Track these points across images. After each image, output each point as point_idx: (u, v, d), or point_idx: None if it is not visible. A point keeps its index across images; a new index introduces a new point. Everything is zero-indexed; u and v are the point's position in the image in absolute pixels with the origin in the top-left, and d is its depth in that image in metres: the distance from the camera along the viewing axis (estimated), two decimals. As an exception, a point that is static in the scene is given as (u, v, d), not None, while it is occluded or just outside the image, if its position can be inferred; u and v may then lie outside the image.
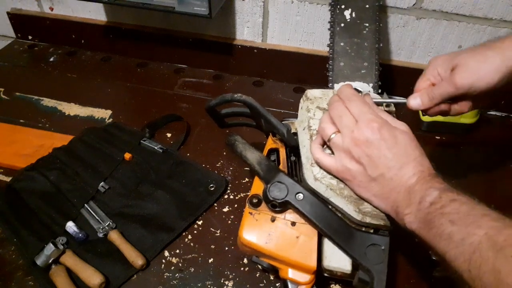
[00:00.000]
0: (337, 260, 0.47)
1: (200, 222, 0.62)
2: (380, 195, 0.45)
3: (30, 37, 1.02)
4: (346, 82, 0.60)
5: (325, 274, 0.50)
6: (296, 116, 0.58)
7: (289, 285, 0.49)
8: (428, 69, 0.53)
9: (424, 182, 0.42)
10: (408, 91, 0.85)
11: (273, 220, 0.50)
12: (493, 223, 0.35)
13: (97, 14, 0.95)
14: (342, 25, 0.69)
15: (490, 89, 0.47)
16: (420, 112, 0.80)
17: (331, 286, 0.55)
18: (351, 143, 0.45)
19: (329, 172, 0.49)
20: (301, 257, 0.48)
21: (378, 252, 0.45)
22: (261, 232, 0.49)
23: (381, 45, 0.67)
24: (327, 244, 0.48)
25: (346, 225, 0.47)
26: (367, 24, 0.68)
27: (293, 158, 0.55)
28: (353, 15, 0.69)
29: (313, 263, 0.47)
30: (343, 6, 0.70)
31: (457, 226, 0.36)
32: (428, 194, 0.40)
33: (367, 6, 0.70)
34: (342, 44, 0.67)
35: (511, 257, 0.32)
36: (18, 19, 1.00)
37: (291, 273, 0.49)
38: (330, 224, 0.47)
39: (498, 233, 0.34)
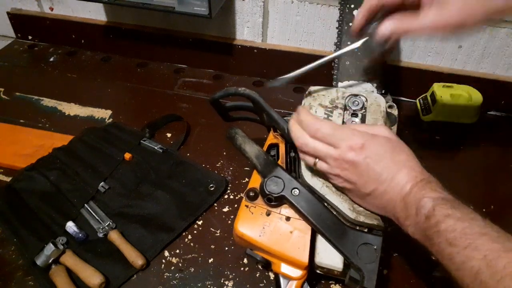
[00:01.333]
0: (329, 257, 0.47)
1: (200, 222, 0.62)
2: (378, 206, 0.45)
3: (30, 37, 1.02)
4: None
5: (317, 271, 0.50)
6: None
7: (281, 279, 0.49)
8: None
9: (418, 190, 0.41)
10: (408, 91, 0.85)
11: (268, 214, 0.50)
12: (491, 244, 0.34)
13: (97, 14, 0.95)
14: (351, 24, 0.69)
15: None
16: (420, 112, 0.80)
17: (331, 286, 0.55)
18: (337, 169, 0.45)
19: None
20: (293, 252, 0.48)
21: (370, 252, 0.45)
22: (255, 225, 0.50)
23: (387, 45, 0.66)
24: (321, 241, 0.48)
25: (339, 223, 0.47)
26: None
27: (292, 154, 0.55)
28: None
29: (305, 258, 0.48)
30: (352, 6, 0.70)
31: (455, 248, 0.36)
32: (422, 206, 0.40)
33: None
34: (349, 43, 0.67)
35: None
36: (18, 19, 1.00)
37: (284, 268, 0.49)
38: (324, 221, 0.47)
39: (498, 257, 0.33)
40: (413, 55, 0.83)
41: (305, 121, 0.47)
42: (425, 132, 0.78)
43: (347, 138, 0.45)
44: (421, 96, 0.82)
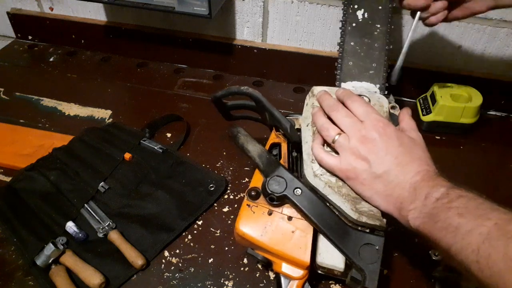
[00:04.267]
0: (331, 257, 0.47)
1: (200, 222, 0.62)
2: (383, 192, 0.45)
3: (30, 37, 1.02)
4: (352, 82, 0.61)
5: (318, 271, 0.50)
6: (298, 115, 0.59)
7: (282, 279, 0.49)
8: None
9: (430, 179, 0.42)
10: (408, 91, 0.85)
11: (270, 213, 0.50)
12: (503, 215, 0.35)
13: (97, 14, 0.95)
14: (354, 24, 0.69)
15: None
16: (420, 112, 0.80)
17: (331, 286, 0.55)
18: (357, 142, 0.46)
19: (331, 172, 0.49)
20: (295, 252, 0.48)
21: (372, 252, 0.45)
22: (257, 224, 0.50)
23: (391, 47, 0.67)
24: (322, 241, 0.48)
25: (342, 223, 0.47)
26: (378, 25, 0.68)
27: (294, 154, 0.55)
28: (366, 15, 0.69)
29: (306, 258, 0.48)
30: (356, 6, 0.70)
31: (465, 219, 0.36)
32: (435, 191, 0.40)
33: (380, 7, 0.69)
34: (352, 43, 0.67)
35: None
36: (18, 19, 1.00)
37: (285, 268, 0.49)
38: (326, 221, 0.47)
39: (508, 223, 0.34)
40: (413, 55, 0.83)
41: (346, 92, 0.52)
42: (425, 132, 0.78)
43: (375, 116, 0.47)
44: (421, 96, 0.82)
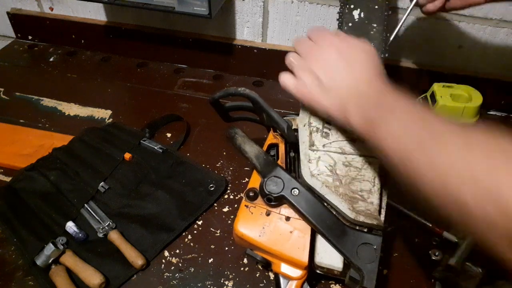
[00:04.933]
0: (329, 257, 0.47)
1: (200, 222, 0.62)
2: (334, 105, 0.46)
3: (30, 37, 1.02)
4: None
5: (317, 271, 0.50)
6: (296, 115, 0.59)
7: (281, 279, 0.49)
8: None
9: (376, 87, 0.43)
10: (408, 91, 0.85)
11: (268, 214, 0.50)
12: (436, 117, 0.37)
13: (97, 14, 0.95)
14: (350, 24, 0.69)
15: None
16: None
17: (331, 286, 0.55)
18: (309, 59, 0.49)
19: (328, 172, 0.49)
20: (293, 252, 0.48)
21: (370, 251, 0.45)
22: (255, 225, 0.50)
23: (387, 46, 0.67)
24: (320, 240, 0.48)
25: (339, 223, 0.47)
26: (375, 25, 0.68)
27: (292, 154, 0.55)
28: (362, 15, 0.69)
29: (304, 258, 0.48)
30: (352, 6, 0.70)
31: (400, 122, 0.38)
32: (377, 96, 0.42)
33: (376, 7, 0.70)
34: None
35: (443, 143, 0.33)
36: (18, 19, 1.00)
37: (284, 268, 0.49)
38: (324, 220, 0.47)
39: (441, 124, 0.35)
40: (413, 55, 0.83)
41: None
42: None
43: (328, 35, 0.50)
44: (421, 96, 0.82)
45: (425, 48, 0.81)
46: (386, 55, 0.66)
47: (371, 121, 0.41)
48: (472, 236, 0.31)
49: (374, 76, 0.45)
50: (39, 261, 0.54)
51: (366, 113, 0.42)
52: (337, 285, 0.55)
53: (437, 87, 0.77)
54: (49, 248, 0.54)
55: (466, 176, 0.30)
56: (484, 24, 0.76)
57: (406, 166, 0.36)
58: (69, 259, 0.54)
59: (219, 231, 0.61)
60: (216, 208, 0.64)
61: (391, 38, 0.66)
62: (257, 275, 0.55)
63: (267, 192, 0.49)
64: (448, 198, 0.32)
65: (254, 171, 0.54)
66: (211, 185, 0.65)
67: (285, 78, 0.51)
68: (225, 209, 0.64)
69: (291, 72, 0.51)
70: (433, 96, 0.77)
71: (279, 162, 0.54)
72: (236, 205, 0.64)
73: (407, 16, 0.63)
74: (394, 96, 0.42)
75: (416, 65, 0.83)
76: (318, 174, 0.50)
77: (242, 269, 0.56)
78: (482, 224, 0.29)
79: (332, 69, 0.46)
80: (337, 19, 0.71)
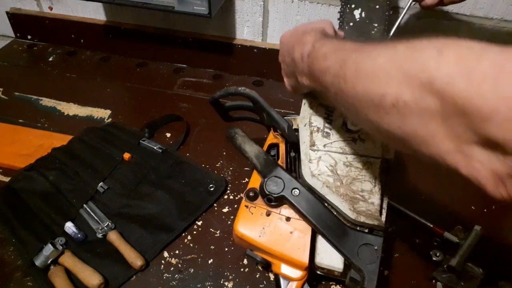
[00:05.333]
0: (330, 258, 0.47)
1: (199, 223, 0.62)
2: (291, 67, 0.50)
3: (29, 37, 1.02)
4: None
5: (318, 272, 0.50)
6: (296, 115, 0.59)
7: (281, 280, 0.49)
8: None
9: (313, 41, 0.45)
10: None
11: (268, 214, 0.50)
12: (353, 45, 0.38)
13: (96, 14, 0.95)
14: (351, 24, 0.68)
15: None
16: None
17: (332, 287, 0.54)
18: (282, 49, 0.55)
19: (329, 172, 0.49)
20: (293, 252, 0.48)
21: (370, 252, 0.45)
22: (255, 225, 0.50)
23: None
24: (321, 241, 0.48)
25: (340, 223, 0.47)
26: (376, 25, 0.68)
27: (292, 154, 0.55)
28: (363, 15, 0.69)
29: (305, 259, 0.48)
30: (353, 6, 0.70)
31: (332, 55, 0.40)
32: (307, 50, 0.45)
33: (377, 6, 0.69)
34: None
35: (368, 52, 0.34)
36: (17, 19, 1.00)
37: (284, 268, 0.49)
38: (324, 221, 0.47)
39: (363, 45, 0.36)
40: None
41: None
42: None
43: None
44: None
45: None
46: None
47: (308, 57, 0.44)
48: (405, 144, 0.31)
49: (316, 34, 0.47)
50: (38, 261, 0.53)
51: (306, 69, 0.45)
52: (338, 286, 0.54)
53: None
54: (48, 249, 0.54)
55: (397, 75, 0.30)
56: (485, 24, 0.75)
57: (336, 82, 0.37)
58: (68, 260, 0.54)
59: (219, 231, 0.60)
60: (216, 208, 0.64)
61: (390, 34, 0.66)
62: (257, 276, 0.55)
63: (267, 192, 0.49)
64: (382, 104, 0.31)
65: (254, 171, 0.53)
66: (211, 185, 0.65)
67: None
68: (225, 210, 0.63)
69: None
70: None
71: (279, 162, 0.53)
72: (236, 205, 0.64)
73: (406, 11, 0.63)
74: (315, 42, 0.45)
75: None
76: (318, 174, 0.50)
77: (242, 270, 0.56)
78: (421, 121, 0.28)
79: (289, 48, 0.51)
80: (338, 19, 0.71)
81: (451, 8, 0.74)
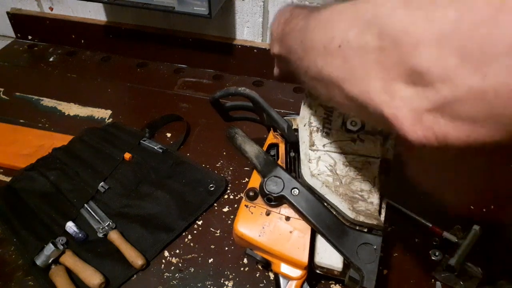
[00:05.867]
0: (329, 257, 0.47)
1: (200, 222, 0.62)
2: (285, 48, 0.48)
3: (30, 37, 1.02)
4: None
5: (317, 271, 0.50)
6: (296, 115, 0.59)
7: (281, 279, 0.49)
8: None
9: (293, 11, 0.45)
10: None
11: (268, 214, 0.50)
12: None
13: (97, 14, 0.95)
14: None
15: None
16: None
17: (331, 286, 0.55)
18: None
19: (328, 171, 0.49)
20: (293, 252, 0.48)
21: (369, 252, 0.45)
22: (255, 225, 0.50)
23: None
24: (320, 240, 0.48)
25: (339, 223, 0.47)
26: None
27: (292, 154, 0.55)
28: None
29: (304, 258, 0.48)
30: None
31: (302, 15, 0.40)
32: (290, 16, 0.44)
33: None
34: None
35: (332, 5, 0.34)
36: (18, 19, 1.00)
37: (283, 268, 0.49)
38: (324, 220, 0.47)
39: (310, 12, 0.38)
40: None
41: None
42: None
43: None
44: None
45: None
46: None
47: (284, 23, 0.44)
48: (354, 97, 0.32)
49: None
50: (39, 261, 0.54)
51: (282, 19, 0.46)
52: (337, 285, 0.54)
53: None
54: (49, 248, 0.54)
55: (347, 18, 0.31)
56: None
57: (299, 37, 0.38)
58: (69, 259, 0.54)
59: (219, 231, 0.61)
60: (216, 208, 0.64)
61: None
62: (257, 275, 0.55)
63: (267, 192, 0.49)
64: (330, 47, 0.32)
65: (254, 171, 0.54)
66: (211, 185, 0.65)
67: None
68: (225, 209, 0.64)
69: None
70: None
71: (279, 162, 0.54)
72: (236, 205, 0.64)
73: None
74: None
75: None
76: (318, 174, 0.50)
77: (242, 269, 0.56)
78: (359, 60, 0.29)
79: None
80: None
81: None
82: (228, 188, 0.67)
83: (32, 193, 0.63)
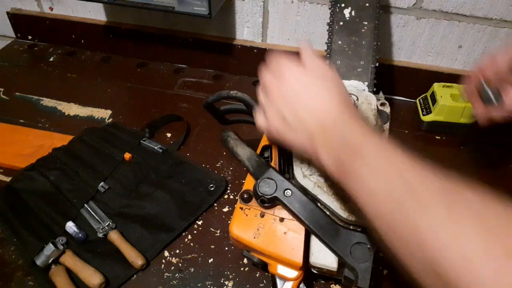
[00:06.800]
0: (324, 257, 0.47)
1: (200, 222, 0.62)
2: (302, 143, 0.42)
3: (30, 37, 1.02)
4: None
5: (313, 271, 0.50)
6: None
7: (277, 280, 0.49)
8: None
9: (341, 120, 0.40)
10: (408, 91, 0.85)
11: (262, 215, 0.51)
12: (410, 164, 0.33)
13: (97, 14, 0.95)
14: (341, 23, 0.69)
15: None
16: (420, 112, 0.80)
17: (331, 286, 0.55)
18: (271, 96, 0.45)
19: (321, 172, 0.49)
20: (288, 252, 0.48)
21: (363, 251, 0.45)
22: (250, 227, 0.50)
23: (378, 43, 0.67)
24: (315, 241, 0.48)
25: (332, 222, 0.47)
26: (365, 23, 0.68)
27: (285, 155, 0.55)
28: (353, 13, 0.69)
29: (299, 259, 0.48)
30: (343, 5, 0.70)
31: (373, 172, 0.34)
32: (342, 132, 0.38)
33: (367, 4, 0.70)
34: (339, 42, 0.67)
35: (426, 206, 0.30)
36: (18, 19, 1.00)
37: (280, 269, 0.49)
38: (317, 221, 0.47)
39: (418, 177, 0.32)
40: (413, 55, 0.83)
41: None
42: (425, 132, 0.78)
43: (280, 62, 0.45)
44: (421, 96, 0.82)
45: (425, 48, 0.81)
46: (377, 57, 0.66)
47: (341, 165, 0.37)
48: None
49: (338, 107, 0.41)
50: (39, 261, 0.54)
51: (334, 153, 0.38)
52: (337, 285, 0.54)
53: (437, 87, 0.77)
54: (49, 248, 0.54)
55: (457, 257, 0.27)
56: (484, 24, 0.76)
57: (384, 224, 0.33)
58: (69, 259, 0.54)
59: (219, 231, 0.61)
60: (216, 208, 0.64)
61: None
62: (257, 275, 0.55)
63: (260, 194, 0.49)
64: (429, 270, 0.29)
65: (249, 174, 0.54)
66: (211, 185, 0.65)
67: (258, 119, 0.48)
68: (225, 209, 0.64)
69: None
70: (433, 96, 0.77)
71: (272, 163, 0.54)
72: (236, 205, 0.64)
73: None
74: (360, 131, 0.38)
75: (416, 65, 0.83)
76: (310, 175, 0.50)
77: (242, 269, 0.56)
78: None
79: (294, 105, 0.43)
80: (329, 19, 0.72)
81: (451, 8, 0.75)
82: (228, 188, 0.67)
83: (32, 193, 0.63)
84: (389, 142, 0.37)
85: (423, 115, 0.79)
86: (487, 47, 0.78)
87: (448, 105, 0.74)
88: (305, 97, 0.42)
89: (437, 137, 0.77)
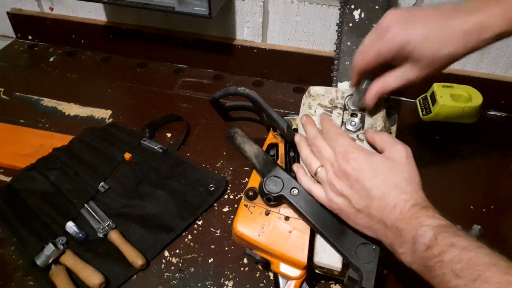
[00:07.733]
0: (328, 257, 0.47)
1: (200, 222, 0.62)
2: (370, 227, 0.43)
3: (30, 37, 1.02)
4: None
5: (316, 271, 0.50)
6: (296, 115, 0.59)
7: (280, 279, 0.49)
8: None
9: (412, 217, 0.39)
10: (408, 91, 0.85)
11: (267, 213, 0.51)
12: (502, 276, 0.32)
13: (97, 14, 0.95)
14: (351, 24, 0.69)
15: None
16: (420, 112, 0.80)
17: (331, 286, 0.55)
18: (333, 176, 0.45)
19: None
20: (292, 251, 0.48)
21: (369, 251, 0.45)
22: (254, 224, 0.50)
23: None
24: (319, 240, 0.48)
25: (338, 223, 0.47)
26: (374, 25, 0.68)
27: (291, 154, 0.55)
28: (362, 15, 0.69)
29: (303, 258, 0.48)
30: (352, 6, 0.70)
31: (462, 280, 0.33)
32: (421, 235, 0.38)
33: (377, 7, 0.70)
34: (349, 43, 0.67)
35: None
36: (18, 19, 1.00)
37: (283, 267, 0.49)
38: (323, 220, 0.47)
39: (508, 286, 0.31)
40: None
41: (325, 125, 0.51)
42: (425, 132, 0.78)
43: (345, 148, 0.45)
44: (421, 96, 0.82)
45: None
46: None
47: (425, 266, 0.37)
48: None
49: (403, 196, 0.41)
50: (39, 261, 0.54)
51: (415, 256, 0.38)
52: (337, 285, 0.54)
53: (437, 87, 0.77)
54: (49, 248, 0.54)
55: None
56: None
57: None
58: (69, 259, 0.54)
59: (219, 231, 0.61)
60: (216, 208, 0.64)
61: None
62: (257, 275, 0.55)
63: (266, 192, 0.49)
64: None
65: (254, 171, 0.54)
66: (211, 185, 0.65)
67: (313, 188, 0.48)
68: (225, 209, 0.64)
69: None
70: (433, 96, 0.77)
71: (278, 161, 0.54)
72: (236, 205, 0.64)
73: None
74: (435, 232, 0.37)
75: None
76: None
77: (242, 269, 0.56)
78: None
79: (357, 190, 0.43)
80: (338, 19, 0.71)
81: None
82: (228, 188, 0.67)
83: (32, 193, 0.63)
84: (457, 231, 0.37)
85: (423, 115, 0.79)
86: (487, 47, 0.78)
87: (448, 105, 0.74)
88: (377, 189, 0.42)
89: (437, 137, 0.77)
